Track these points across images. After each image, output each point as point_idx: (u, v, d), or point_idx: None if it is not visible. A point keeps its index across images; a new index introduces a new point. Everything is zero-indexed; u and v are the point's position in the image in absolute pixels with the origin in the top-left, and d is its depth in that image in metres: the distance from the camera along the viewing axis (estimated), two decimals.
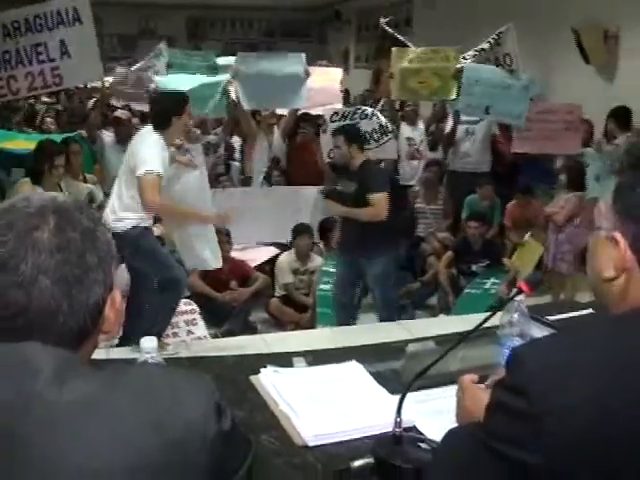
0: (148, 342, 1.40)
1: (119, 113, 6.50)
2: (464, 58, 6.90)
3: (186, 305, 5.15)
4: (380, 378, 1.85)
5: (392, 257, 5.27)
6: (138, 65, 7.69)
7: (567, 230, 5.95)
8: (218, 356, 2.21)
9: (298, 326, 5.89)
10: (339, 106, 7.43)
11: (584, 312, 2.13)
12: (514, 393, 0.99)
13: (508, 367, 1.04)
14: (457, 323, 4.84)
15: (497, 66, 6.86)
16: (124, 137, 6.63)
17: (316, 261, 6.28)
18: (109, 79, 7.58)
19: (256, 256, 6.51)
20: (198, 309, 5.30)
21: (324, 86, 7.12)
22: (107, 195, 5.08)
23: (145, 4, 15.50)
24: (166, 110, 4.36)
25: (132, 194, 4.25)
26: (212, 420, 0.95)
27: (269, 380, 1.77)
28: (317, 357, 1.96)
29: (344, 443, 1.58)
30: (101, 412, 0.91)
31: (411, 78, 6.77)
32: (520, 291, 1.49)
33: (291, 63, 6.51)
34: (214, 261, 4.93)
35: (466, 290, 6.11)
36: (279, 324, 6.10)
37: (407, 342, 2.04)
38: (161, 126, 4.32)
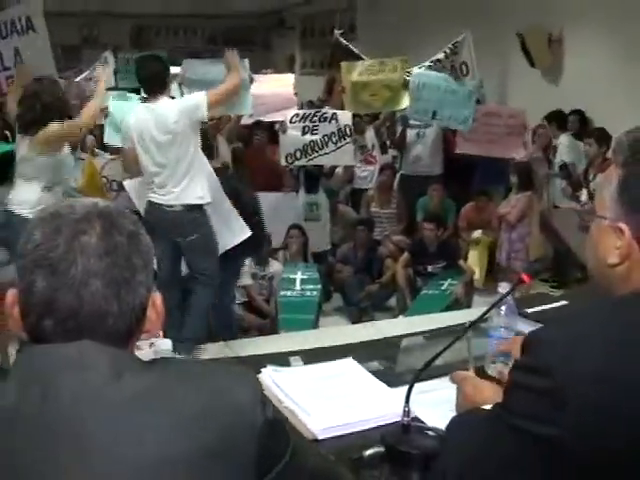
0: (164, 343, 1.44)
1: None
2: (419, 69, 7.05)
3: None
4: (376, 373, 1.92)
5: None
6: (83, 75, 7.59)
7: (519, 229, 6.15)
8: (217, 359, 2.25)
9: (260, 332, 5.92)
10: (296, 109, 7.49)
11: (559, 304, 2.24)
12: (534, 372, 1.07)
13: (525, 349, 1.12)
14: (416, 323, 4.97)
15: (453, 76, 7.03)
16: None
17: (275, 267, 6.33)
18: None
19: None
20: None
21: (277, 92, 7.16)
22: None
23: (87, 13, 15.30)
24: (159, 72, 4.39)
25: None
26: (259, 408, 1.01)
27: (271, 379, 1.82)
28: (312, 356, 2.03)
29: (352, 435, 1.64)
30: (158, 404, 0.96)
31: (362, 92, 6.90)
32: (521, 281, 1.58)
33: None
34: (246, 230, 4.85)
35: (423, 291, 6.24)
36: (241, 330, 6.11)
37: (397, 338, 2.11)
38: (160, 89, 4.33)
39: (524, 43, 7.91)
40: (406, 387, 1.55)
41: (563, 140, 7.21)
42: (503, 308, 1.90)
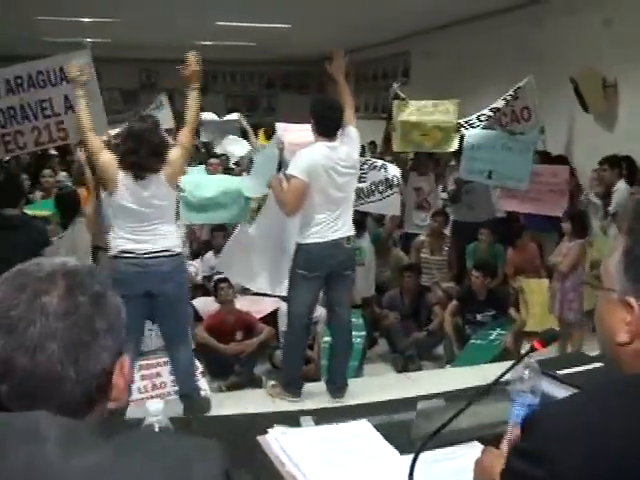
0: (155, 405, 1.38)
1: None
2: (478, 119, 6.96)
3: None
4: (390, 437, 1.81)
5: None
6: None
7: (572, 278, 5.92)
8: (226, 415, 2.19)
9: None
10: None
11: (593, 366, 2.09)
12: (530, 459, 0.97)
13: (523, 431, 1.02)
14: (464, 375, 4.82)
15: (513, 121, 6.92)
16: None
17: (319, 311, 6.24)
18: (113, 132, 7.66)
19: (261, 308, 6.46)
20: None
21: None
22: None
23: (146, 59, 15.78)
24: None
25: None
26: None
27: (276, 441, 1.73)
28: (325, 415, 1.93)
29: None
30: None
31: (413, 131, 6.86)
32: (533, 349, 1.47)
33: (268, 150, 6.07)
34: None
35: (471, 340, 6.07)
36: None
37: (417, 399, 2.00)
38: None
39: (577, 88, 7.75)
40: (421, 454, 1.44)
41: (620, 187, 6.96)
42: (527, 371, 1.78)
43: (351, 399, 4.44)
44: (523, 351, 1.60)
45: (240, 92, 17.02)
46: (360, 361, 5.92)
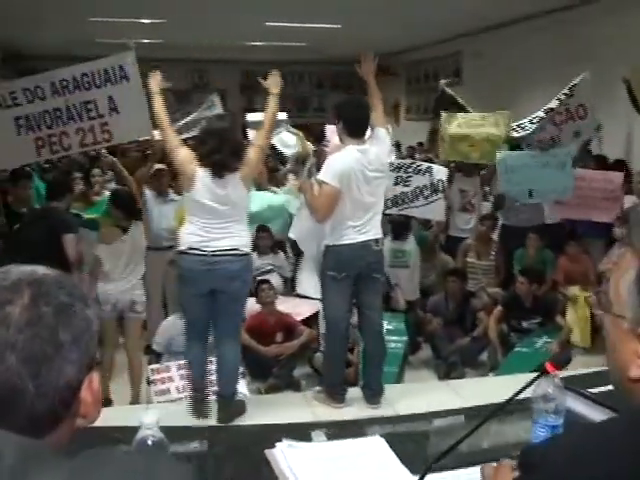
0: (149, 416, 1.33)
1: (160, 166, 6.53)
2: (531, 122, 6.81)
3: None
4: (403, 454, 1.73)
5: None
6: (190, 117, 7.82)
7: None
8: (237, 426, 2.12)
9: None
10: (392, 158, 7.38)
11: None
12: None
13: (521, 466, 0.93)
14: (505, 384, 4.66)
15: (568, 119, 6.75)
16: (165, 190, 6.67)
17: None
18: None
19: (302, 310, 6.42)
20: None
21: None
22: None
23: (197, 59, 15.94)
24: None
25: None
26: None
27: (283, 455, 1.67)
28: (339, 430, 1.85)
29: None
30: None
31: (461, 142, 6.75)
32: (545, 372, 1.37)
33: None
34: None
35: (516, 348, 5.92)
36: None
37: (432, 415, 1.91)
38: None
39: (630, 89, 7.47)
40: (430, 476, 1.36)
41: None
42: (550, 389, 1.67)
43: (387, 406, 4.35)
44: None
45: (290, 92, 17.08)
46: (400, 367, 5.81)
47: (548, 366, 1.37)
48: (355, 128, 4.38)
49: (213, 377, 4.49)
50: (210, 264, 4.04)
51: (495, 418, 1.52)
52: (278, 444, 1.71)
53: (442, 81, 8.00)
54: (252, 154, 4.14)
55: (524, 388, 1.39)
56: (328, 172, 4.28)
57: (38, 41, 13.19)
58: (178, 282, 4.38)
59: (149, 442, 1.37)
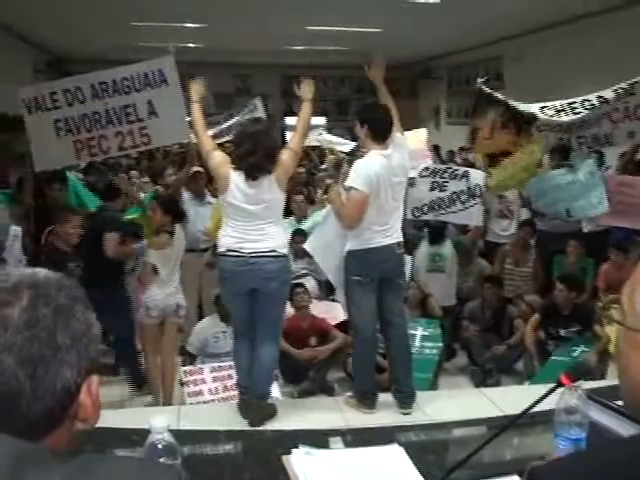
0: (158, 422, 1.33)
1: (197, 168, 6.58)
2: (583, 104, 6.55)
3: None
4: (422, 464, 1.70)
5: None
6: (232, 120, 7.89)
7: None
8: (257, 431, 2.11)
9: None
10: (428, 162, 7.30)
11: None
12: None
13: None
14: (539, 394, 4.57)
15: (625, 117, 6.58)
16: (202, 192, 6.73)
17: None
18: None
19: (336, 314, 6.40)
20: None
21: (415, 148, 7.00)
22: None
23: (239, 64, 16.05)
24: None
25: None
26: None
27: (299, 462, 1.65)
28: (357, 437, 1.83)
29: None
30: None
31: (506, 182, 6.67)
32: (560, 384, 1.33)
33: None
34: None
35: (553, 357, 5.80)
36: None
37: (454, 424, 1.88)
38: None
39: None
40: None
41: None
42: (573, 401, 1.63)
43: (420, 412, 4.31)
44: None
45: (331, 96, 17.10)
46: (435, 373, 5.75)
47: (564, 379, 1.32)
48: (380, 132, 4.34)
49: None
50: (249, 265, 4.07)
51: (518, 430, 1.48)
52: (295, 450, 1.69)
53: (479, 79, 7.89)
54: (286, 156, 4.16)
55: (538, 402, 1.36)
56: (356, 178, 4.26)
57: (83, 46, 13.44)
58: (220, 283, 4.43)
59: (159, 446, 1.37)
